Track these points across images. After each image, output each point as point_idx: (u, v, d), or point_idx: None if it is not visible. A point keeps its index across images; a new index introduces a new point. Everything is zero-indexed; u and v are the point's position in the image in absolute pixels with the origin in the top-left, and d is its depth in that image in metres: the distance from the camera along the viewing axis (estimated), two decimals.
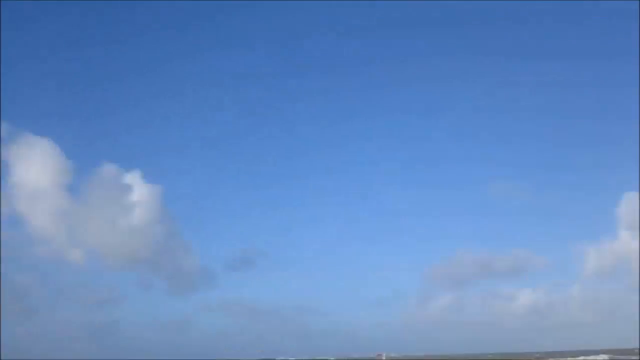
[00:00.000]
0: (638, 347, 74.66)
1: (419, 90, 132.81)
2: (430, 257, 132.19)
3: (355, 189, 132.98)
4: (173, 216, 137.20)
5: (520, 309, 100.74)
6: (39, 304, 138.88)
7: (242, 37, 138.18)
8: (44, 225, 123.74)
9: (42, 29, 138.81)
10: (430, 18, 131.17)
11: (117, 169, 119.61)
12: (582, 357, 66.79)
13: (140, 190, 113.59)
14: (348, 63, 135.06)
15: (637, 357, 66.19)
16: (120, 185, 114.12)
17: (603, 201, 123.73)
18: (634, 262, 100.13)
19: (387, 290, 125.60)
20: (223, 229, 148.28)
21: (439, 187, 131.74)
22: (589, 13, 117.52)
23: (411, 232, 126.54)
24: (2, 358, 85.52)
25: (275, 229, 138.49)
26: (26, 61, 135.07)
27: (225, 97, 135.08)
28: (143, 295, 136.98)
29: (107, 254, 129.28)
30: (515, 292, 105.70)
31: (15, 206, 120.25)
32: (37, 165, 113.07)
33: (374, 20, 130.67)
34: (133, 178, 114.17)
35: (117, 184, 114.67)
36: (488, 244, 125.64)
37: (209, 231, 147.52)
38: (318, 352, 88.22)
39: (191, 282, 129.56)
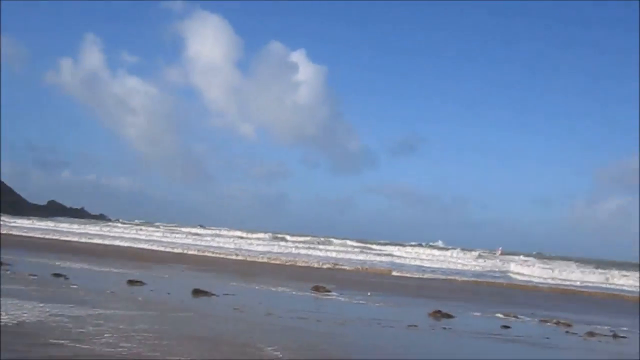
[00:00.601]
0: None
1: None
2: (603, 158, 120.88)
3: (528, 80, 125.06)
4: (337, 97, 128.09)
5: None
6: (215, 172, 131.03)
7: None
8: (216, 99, 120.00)
9: None
10: None
11: (283, 47, 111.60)
12: None
13: (305, 70, 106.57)
14: None
15: None
16: (287, 64, 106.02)
17: None
18: None
19: (553, 188, 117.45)
20: (387, 113, 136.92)
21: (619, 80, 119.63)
22: None
23: (585, 129, 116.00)
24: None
25: (439, 116, 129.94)
26: None
27: None
28: (309, 172, 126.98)
29: (275, 130, 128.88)
30: None
31: (191, 79, 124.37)
32: (209, 40, 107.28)
33: None
34: (299, 57, 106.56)
35: (284, 62, 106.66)
36: None
37: (373, 114, 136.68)
38: (474, 242, 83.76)
39: (354, 163, 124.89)
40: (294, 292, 18.34)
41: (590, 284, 33.55)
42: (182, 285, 17.26)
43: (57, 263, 20.71)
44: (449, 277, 31.66)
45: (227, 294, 15.82)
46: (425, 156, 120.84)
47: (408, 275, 31.37)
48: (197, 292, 15.69)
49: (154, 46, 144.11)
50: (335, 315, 13.94)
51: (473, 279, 32.05)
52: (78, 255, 26.36)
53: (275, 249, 43.31)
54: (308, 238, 63.94)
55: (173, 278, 19.99)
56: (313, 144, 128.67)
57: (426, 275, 31.68)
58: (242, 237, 56.02)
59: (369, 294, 19.62)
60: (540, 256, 62.22)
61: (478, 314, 16.88)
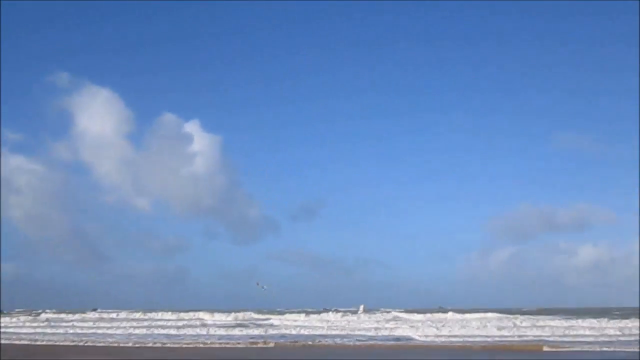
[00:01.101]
0: None
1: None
2: (492, 209, 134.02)
3: (419, 144, 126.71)
4: (234, 166, 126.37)
5: (583, 264, 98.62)
6: (110, 251, 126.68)
7: None
8: (108, 173, 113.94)
9: None
10: None
11: (177, 118, 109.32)
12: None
13: (200, 140, 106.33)
14: None
15: None
16: (181, 135, 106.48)
17: None
18: None
19: (448, 243, 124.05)
20: (284, 180, 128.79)
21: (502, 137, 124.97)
22: None
23: (473, 184, 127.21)
24: None
25: (337, 181, 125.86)
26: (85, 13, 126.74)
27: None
28: (209, 244, 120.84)
29: (172, 203, 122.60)
30: (578, 247, 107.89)
31: (80, 154, 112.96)
32: (99, 114, 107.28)
33: None
34: (193, 127, 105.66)
35: (178, 133, 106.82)
36: (551, 197, 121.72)
37: (271, 182, 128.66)
38: (380, 303, 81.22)
39: (255, 231, 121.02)
40: None
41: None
42: None
43: None
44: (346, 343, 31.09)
45: None
46: (327, 220, 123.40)
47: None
48: None
49: (39, 122, 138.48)
50: None
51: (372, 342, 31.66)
52: None
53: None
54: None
55: None
56: (212, 215, 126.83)
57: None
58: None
59: None
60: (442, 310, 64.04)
61: None
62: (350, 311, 63.99)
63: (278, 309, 73.32)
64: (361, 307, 68.34)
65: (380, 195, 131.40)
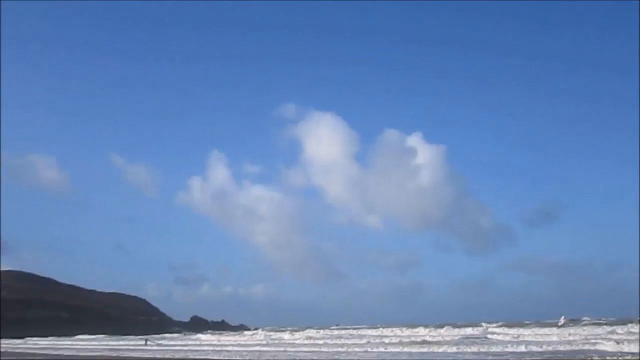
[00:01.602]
0: None
1: None
2: None
3: None
4: (461, 175, 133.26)
5: None
6: (346, 269, 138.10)
7: None
8: (339, 195, 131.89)
9: None
10: None
11: (399, 133, 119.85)
12: None
13: (424, 152, 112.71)
14: None
15: None
16: (405, 149, 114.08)
17: None
18: None
19: None
20: (516, 184, 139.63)
21: None
22: None
23: None
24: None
25: (574, 179, 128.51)
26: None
27: None
28: (441, 256, 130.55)
29: (401, 218, 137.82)
30: None
31: (311, 179, 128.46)
32: (325, 139, 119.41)
33: None
34: (416, 140, 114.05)
35: (402, 148, 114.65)
36: None
37: (501, 187, 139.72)
38: (631, 311, 79.17)
39: (489, 240, 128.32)
40: None
41: None
42: None
43: None
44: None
45: None
46: (568, 222, 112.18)
47: None
48: None
49: (273, 152, 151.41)
50: None
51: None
52: None
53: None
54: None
55: None
56: (443, 227, 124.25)
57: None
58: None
59: None
60: None
61: None
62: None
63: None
64: (562, 319, 59.33)
65: (625, 188, 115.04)
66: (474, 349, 32.02)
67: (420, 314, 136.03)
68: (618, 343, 30.30)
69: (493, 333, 48.92)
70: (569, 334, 41.59)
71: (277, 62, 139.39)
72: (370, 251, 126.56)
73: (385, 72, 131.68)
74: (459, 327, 58.92)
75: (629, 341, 30.98)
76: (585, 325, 53.51)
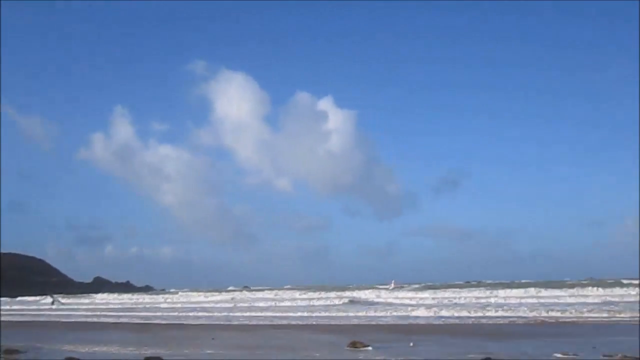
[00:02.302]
0: None
1: None
2: None
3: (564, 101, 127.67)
4: (371, 141, 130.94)
5: None
6: (257, 231, 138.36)
7: None
8: (250, 156, 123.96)
9: None
10: None
11: (310, 96, 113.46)
12: None
13: (335, 117, 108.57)
14: None
15: None
16: (316, 113, 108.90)
17: None
18: None
19: (603, 209, 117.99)
20: (423, 151, 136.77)
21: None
22: None
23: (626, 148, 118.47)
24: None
25: (479, 148, 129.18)
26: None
27: None
28: (350, 221, 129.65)
29: (312, 182, 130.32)
30: None
31: (222, 140, 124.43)
32: (236, 99, 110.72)
33: None
34: (327, 104, 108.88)
35: (313, 112, 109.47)
36: None
37: (409, 154, 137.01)
38: (526, 275, 79.10)
39: (396, 206, 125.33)
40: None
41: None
42: None
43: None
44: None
45: None
46: (470, 191, 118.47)
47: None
48: None
49: (182, 111, 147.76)
50: None
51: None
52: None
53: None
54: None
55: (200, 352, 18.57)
56: (352, 192, 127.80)
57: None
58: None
59: (411, 344, 17.96)
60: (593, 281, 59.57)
61: (533, 358, 15.05)
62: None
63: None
64: (392, 283, 64.72)
65: (523, 161, 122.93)
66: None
67: (328, 275, 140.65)
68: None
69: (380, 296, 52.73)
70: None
71: (187, 17, 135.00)
72: (280, 214, 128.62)
73: (297, 34, 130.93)
74: (361, 289, 62.37)
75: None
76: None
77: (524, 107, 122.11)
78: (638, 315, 27.49)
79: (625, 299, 39.32)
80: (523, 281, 65.83)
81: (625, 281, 54.43)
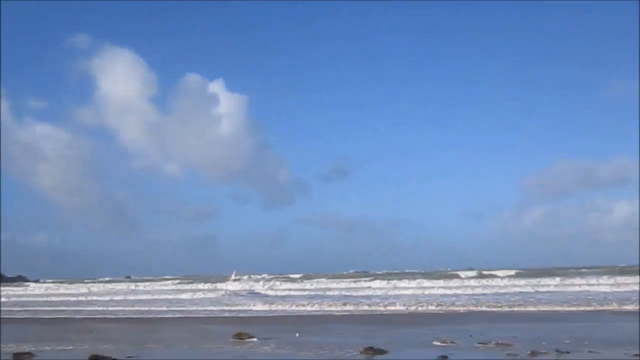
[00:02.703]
0: None
1: None
2: (529, 166, 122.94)
3: (451, 100, 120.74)
4: (262, 128, 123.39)
5: (617, 222, 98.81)
6: (141, 218, 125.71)
7: None
8: (135, 139, 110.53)
9: None
10: None
11: (201, 78, 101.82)
12: None
13: (226, 101, 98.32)
14: None
15: None
16: (206, 96, 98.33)
17: None
18: None
19: (483, 203, 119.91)
20: (315, 140, 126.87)
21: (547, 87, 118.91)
22: None
23: (511, 141, 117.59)
24: None
25: (370, 138, 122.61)
26: None
27: None
28: (239, 208, 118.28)
29: (201, 167, 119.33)
30: (613, 204, 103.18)
31: (105, 120, 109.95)
32: (121, 77, 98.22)
33: None
34: (218, 87, 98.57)
35: (203, 95, 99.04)
36: (594, 151, 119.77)
37: (301, 142, 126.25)
38: (410, 265, 77.49)
39: (286, 194, 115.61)
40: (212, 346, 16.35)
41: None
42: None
43: None
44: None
45: None
46: (360, 181, 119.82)
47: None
48: None
49: (62, 87, 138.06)
50: None
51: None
52: None
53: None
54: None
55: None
56: (242, 179, 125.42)
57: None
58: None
59: (297, 334, 17.92)
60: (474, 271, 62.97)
61: (413, 346, 15.47)
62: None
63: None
64: (233, 274, 66.12)
65: (414, 155, 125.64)
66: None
67: (215, 264, 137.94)
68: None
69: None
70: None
71: None
72: (167, 200, 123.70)
73: (188, 11, 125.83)
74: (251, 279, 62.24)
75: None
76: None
77: (418, 100, 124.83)
78: (512, 304, 29.34)
79: (504, 290, 41.82)
80: (406, 271, 68.34)
81: (500, 273, 57.90)
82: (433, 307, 29.75)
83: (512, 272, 55.55)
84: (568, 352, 13.33)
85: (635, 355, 12.65)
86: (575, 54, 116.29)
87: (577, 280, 46.06)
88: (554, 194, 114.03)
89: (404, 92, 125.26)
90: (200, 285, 57.41)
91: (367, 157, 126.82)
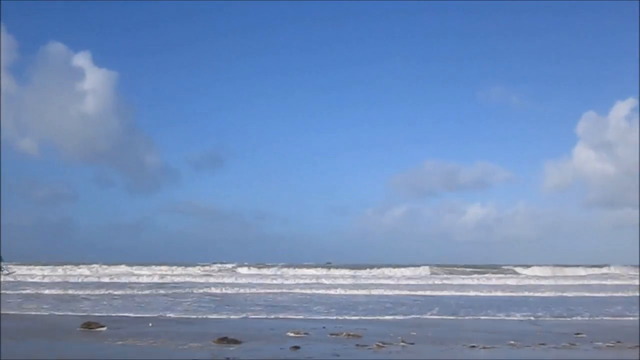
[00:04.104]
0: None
1: None
2: (399, 164, 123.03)
3: (327, 93, 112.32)
4: (132, 107, 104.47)
5: (471, 223, 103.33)
6: None
7: None
8: None
9: None
10: None
11: (66, 49, 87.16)
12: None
13: (92, 75, 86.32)
14: None
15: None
16: (70, 68, 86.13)
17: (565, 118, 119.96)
18: (587, 181, 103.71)
19: (350, 199, 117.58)
20: (189, 125, 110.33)
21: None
22: None
23: (382, 139, 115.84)
24: None
25: (245, 127, 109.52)
26: None
27: None
28: (101, 192, 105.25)
29: (62, 146, 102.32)
30: (467, 206, 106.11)
31: None
32: None
33: None
34: (84, 60, 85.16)
35: (67, 67, 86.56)
36: (460, 155, 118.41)
37: (174, 125, 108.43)
38: (272, 257, 76.26)
39: (153, 180, 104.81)
40: None
41: None
42: None
43: None
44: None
45: None
46: (234, 170, 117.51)
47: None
48: None
49: None
50: None
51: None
52: None
53: None
54: None
55: None
56: (106, 160, 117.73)
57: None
58: None
59: (150, 324, 17.47)
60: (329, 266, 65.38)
61: (268, 336, 15.68)
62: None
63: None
64: (6, 269, 64.95)
65: (287, 148, 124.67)
66: None
67: (69, 252, 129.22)
68: None
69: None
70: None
71: None
72: (20, 180, 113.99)
73: None
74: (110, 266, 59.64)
75: None
76: None
77: (294, 94, 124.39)
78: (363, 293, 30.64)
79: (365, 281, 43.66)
80: (268, 263, 69.11)
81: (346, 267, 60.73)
82: (287, 298, 30.31)
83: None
84: (413, 344, 14.25)
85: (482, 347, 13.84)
86: (456, 57, 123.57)
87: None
88: (418, 194, 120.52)
89: (282, 85, 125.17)
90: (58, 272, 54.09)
91: (242, 147, 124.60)
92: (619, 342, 14.65)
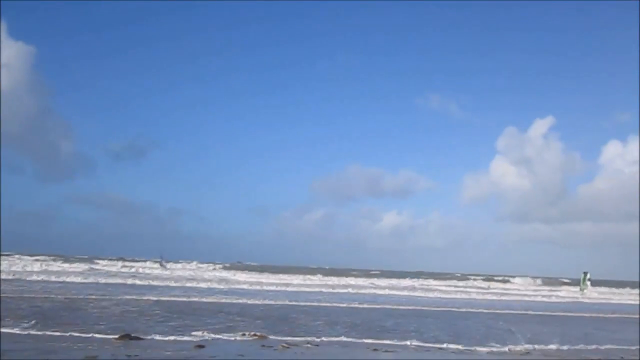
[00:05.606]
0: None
1: None
2: (324, 168, 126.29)
3: (258, 90, 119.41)
4: (48, 87, 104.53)
5: (385, 230, 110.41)
6: None
7: None
8: None
9: None
10: None
11: None
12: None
13: (7, 48, 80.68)
14: None
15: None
16: None
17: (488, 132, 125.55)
18: (502, 195, 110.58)
19: (271, 200, 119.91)
20: (111, 111, 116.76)
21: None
22: None
23: (310, 143, 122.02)
24: None
25: (174, 119, 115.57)
26: None
27: None
28: (7, 178, 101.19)
29: None
30: (383, 213, 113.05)
31: None
32: None
33: None
34: None
35: None
36: (385, 162, 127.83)
37: (97, 113, 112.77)
38: (182, 255, 74.30)
39: (67, 167, 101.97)
40: None
41: None
42: None
43: None
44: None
45: None
46: (156, 162, 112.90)
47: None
48: None
49: None
50: None
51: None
52: None
53: None
54: None
55: None
56: (15, 143, 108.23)
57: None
58: None
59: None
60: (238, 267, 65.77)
61: (171, 336, 15.37)
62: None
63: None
64: None
65: (214, 146, 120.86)
66: None
67: None
68: None
69: None
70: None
71: None
72: None
73: None
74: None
75: None
76: None
77: (225, 90, 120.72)
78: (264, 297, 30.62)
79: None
80: (180, 260, 68.55)
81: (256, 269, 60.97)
82: (184, 299, 29.79)
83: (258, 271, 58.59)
84: (318, 346, 14.46)
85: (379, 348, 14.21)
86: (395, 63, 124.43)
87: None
88: (339, 198, 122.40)
89: (213, 81, 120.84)
90: None
91: (165, 139, 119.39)
92: None
